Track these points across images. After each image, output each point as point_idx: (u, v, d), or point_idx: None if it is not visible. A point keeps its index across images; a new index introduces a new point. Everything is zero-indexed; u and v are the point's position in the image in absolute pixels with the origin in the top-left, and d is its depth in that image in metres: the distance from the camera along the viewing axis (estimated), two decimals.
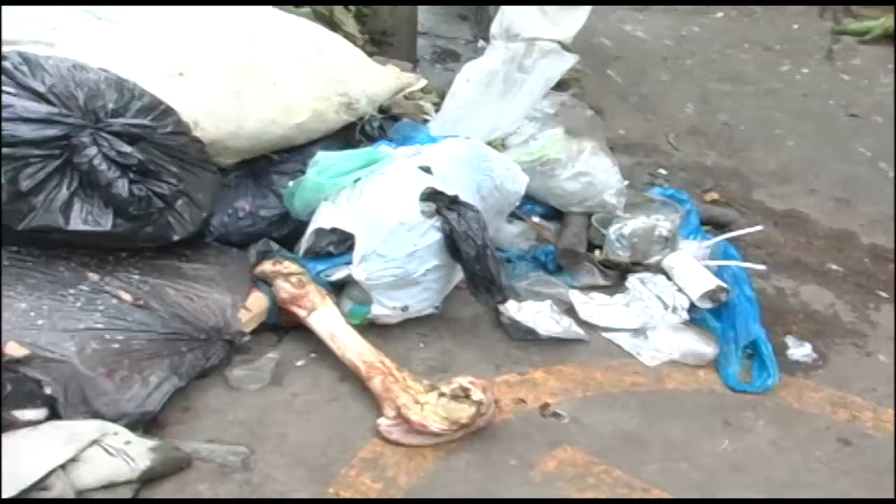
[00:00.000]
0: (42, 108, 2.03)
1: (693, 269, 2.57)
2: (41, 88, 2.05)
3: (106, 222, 2.06)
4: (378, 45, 3.29)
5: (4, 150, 1.97)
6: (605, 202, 2.75)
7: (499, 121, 2.75)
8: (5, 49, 2.14)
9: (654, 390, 2.29)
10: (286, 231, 2.43)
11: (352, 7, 3.27)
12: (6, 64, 2.07)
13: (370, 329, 2.28)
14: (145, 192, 2.09)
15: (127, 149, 2.07)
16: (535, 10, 3.45)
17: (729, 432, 2.16)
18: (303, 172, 2.38)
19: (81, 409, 1.86)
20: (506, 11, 3.49)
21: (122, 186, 2.05)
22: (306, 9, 2.83)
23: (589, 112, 3.17)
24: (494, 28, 3.53)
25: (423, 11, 3.98)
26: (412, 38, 3.76)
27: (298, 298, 2.21)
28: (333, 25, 2.90)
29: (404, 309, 2.32)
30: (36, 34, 2.22)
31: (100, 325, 1.97)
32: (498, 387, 2.19)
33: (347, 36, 2.85)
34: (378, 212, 2.26)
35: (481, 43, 4.09)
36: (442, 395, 2.02)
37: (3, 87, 2.03)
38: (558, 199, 2.78)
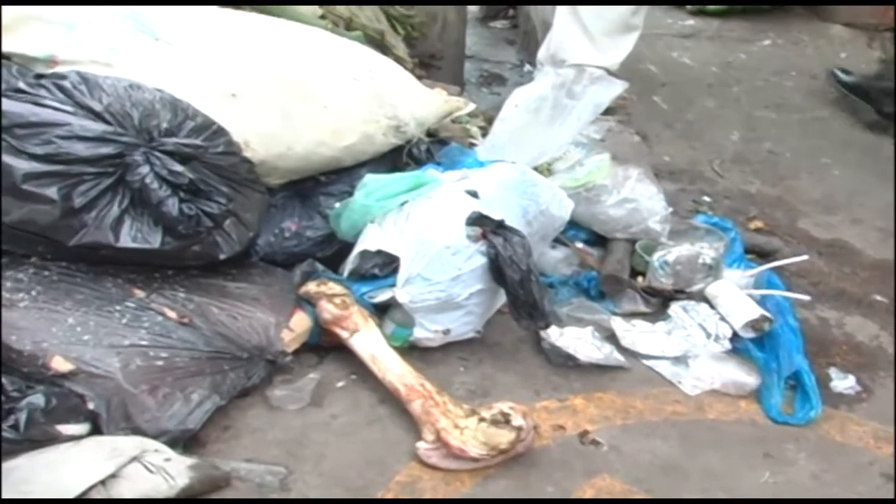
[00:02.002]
0: (98, 127, 2.00)
1: (736, 297, 2.48)
2: (98, 107, 2.02)
3: (155, 240, 2.02)
4: (426, 68, 3.24)
5: (60, 167, 1.94)
6: (650, 229, 2.66)
7: (546, 146, 2.67)
8: (66, 69, 2.13)
9: (694, 420, 2.20)
10: (331, 252, 2.37)
11: (401, 30, 3.22)
12: (65, 83, 2.05)
13: (411, 352, 2.22)
14: (195, 211, 2.04)
15: (179, 168, 2.02)
16: (583, 37, 3.38)
17: (770, 464, 2.07)
18: (350, 194, 2.33)
19: (123, 425, 1.82)
20: (553, 37, 3.43)
21: (172, 205, 2.01)
22: (358, 32, 2.77)
23: (635, 138, 3.11)
24: (541, 53, 3.47)
25: (470, 35, 3.93)
26: (460, 62, 3.71)
27: (341, 320, 2.15)
28: (384, 48, 2.85)
29: (446, 332, 2.25)
30: (95, 54, 2.19)
31: (144, 342, 1.93)
32: (537, 413, 2.12)
33: (397, 59, 2.81)
34: (424, 235, 2.20)
35: (528, 67, 4.04)
36: (482, 420, 1.95)
37: (62, 106, 2.00)
38: (602, 225, 2.70)
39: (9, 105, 1.97)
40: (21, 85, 2.03)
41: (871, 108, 3.86)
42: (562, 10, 3.40)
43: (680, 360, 2.37)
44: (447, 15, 3.47)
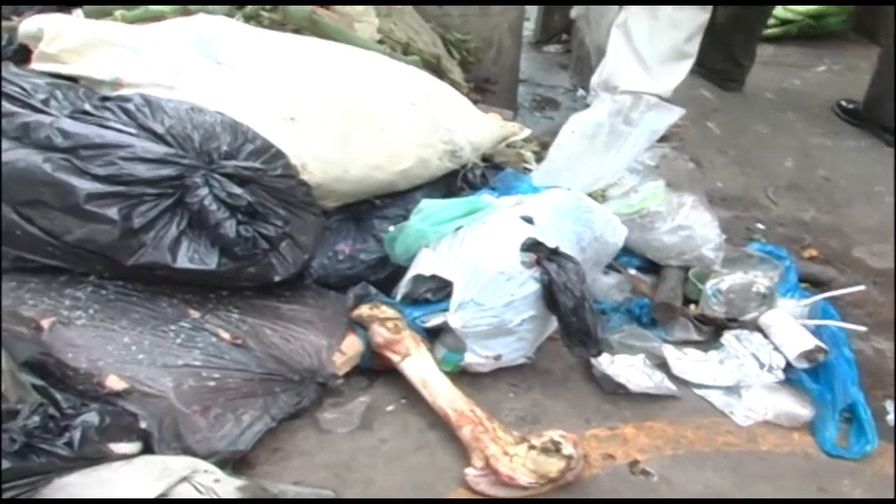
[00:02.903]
0: (159, 149, 1.98)
1: (790, 327, 2.40)
2: (160, 129, 2.00)
3: (211, 261, 1.98)
4: (481, 92, 3.19)
5: (122, 188, 1.93)
6: (703, 256, 2.58)
7: (601, 172, 2.60)
8: (130, 91, 2.11)
9: (746, 451, 2.12)
10: (384, 275, 2.32)
11: (457, 55, 3.18)
12: (129, 106, 2.03)
13: (461, 377, 2.15)
14: (252, 233, 2.01)
15: (237, 190, 1.99)
16: (636, 64, 3.31)
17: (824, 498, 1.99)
18: (404, 218, 2.28)
19: (174, 445, 1.79)
20: (606, 64, 3.36)
21: (229, 227, 1.97)
22: (415, 56, 2.73)
23: (690, 165, 2.99)
24: (594, 79, 3.40)
25: (523, 60, 3.87)
26: (514, 86, 3.65)
27: (393, 344, 2.10)
28: (441, 73, 2.80)
29: (497, 358, 2.19)
30: (159, 77, 2.18)
31: (198, 363, 1.90)
32: (587, 441, 2.05)
33: (454, 84, 2.75)
34: (478, 260, 2.14)
35: (580, 92, 3.97)
36: (532, 447, 1.89)
37: (125, 128, 1.98)
38: (656, 252, 2.62)
39: (75, 126, 1.96)
40: (87, 107, 2.02)
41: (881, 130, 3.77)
42: (616, 37, 3.33)
43: (732, 389, 2.29)
44: (502, 40, 3.42)
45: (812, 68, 4.56)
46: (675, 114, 2.70)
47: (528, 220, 2.25)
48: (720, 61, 4.06)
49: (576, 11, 4.23)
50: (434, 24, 3.13)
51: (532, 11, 4.48)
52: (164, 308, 2.00)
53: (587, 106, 3.29)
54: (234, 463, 1.84)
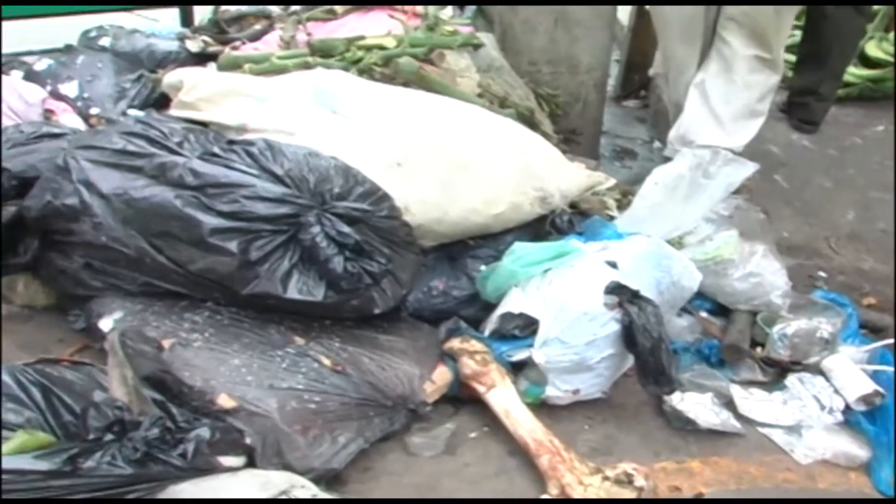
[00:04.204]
0: (278, 189, 1.89)
1: (851, 371, 2.20)
2: (279, 171, 1.92)
3: (318, 293, 1.87)
4: (567, 143, 3.02)
5: (242, 224, 1.84)
6: (771, 302, 2.39)
7: (680, 221, 2.44)
8: (254, 136, 2.02)
9: (805, 488, 1.94)
10: (473, 311, 2.17)
11: (546, 107, 3.01)
12: (253, 149, 1.95)
13: (540, 408, 2.00)
14: (358, 268, 1.90)
15: (346, 229, 1.89)
16: (712, 120, 3.10)
17: None
18: (495, 258, 2.15)
19: (274, 461, 1.68)
20: (684, 119, 3.16)
21: (338, 263, 1.87)
22: (511, 109, 2.57)
23: (761, 216, 2.79)
24: (672, 134, 3.20)
25: (605, 113, 3.68)
26: (596, 137, 3.46)
27: (480, 375, 1.96)
28: (533, 125, 2.64)
29: (575, 392, 2.04)
30: (281, 124, 2.10)
31: (300, 386, 1.78)
32: (655, 473, 1.88)
33: (545, 135, 2.60)
34: (564, 301, 2.00)
35: (657, 144, 3.76)
36: (606, 478, 1.76)
37: (248, 170, 1.90)
38: (727, 296, 2.43)
39: (204, 167, 1.91)
40: (216, 149, 1.96)
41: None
42: (693, 95, 3.14)
43: (794, 429, 2.12)
44: (588, 95, 3.24)
45: (871, 127, 4.24)
46: (749, 168, 2.54)
47: (613, 265, 2.11)
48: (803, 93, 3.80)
49: (654, 70, 4.04)
50: (527, 80, 2.99)
51: (614, 68, 4.28)
52: (272, 334, 1.91)
53: (663, 157, 3.19)
54: (328, 480, 1.73)
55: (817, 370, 2.24)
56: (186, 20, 3.32)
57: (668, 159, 3.03)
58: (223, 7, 3.21)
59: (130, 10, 3.24)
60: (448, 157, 2.15)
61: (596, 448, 1.97)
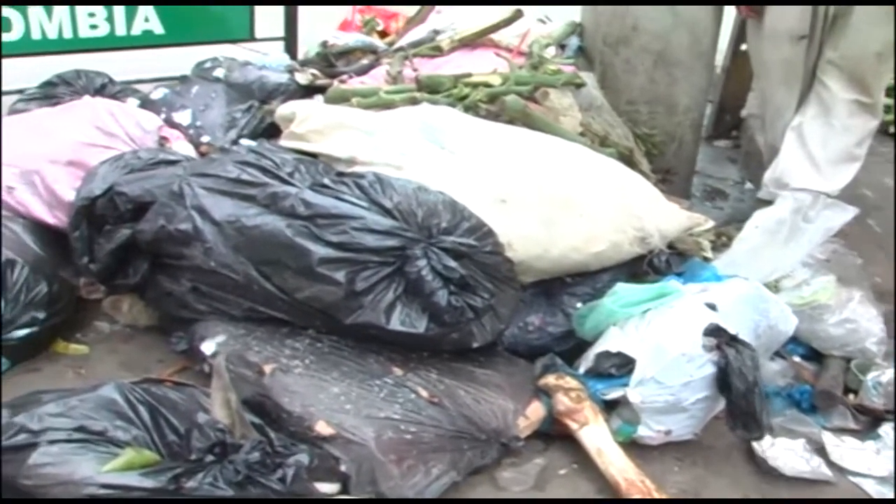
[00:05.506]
0: (387, 222, 1.86)
1: None
2: (388, 205, 1.88)
3: (420, 325, 1.83)
4: (662, 182, 2.90)
5: (350, 254, 1.80)
6: (866, 349, 2.27)
7: (779, 265, 2.34)
8: (363, 169, 1.99)
9: None
10: (567, 347, 2.08)
11: (643, 147, 2.90)
12: (363, 182, 1.91)
13: (630, 447, 1.91)
14: (461, 303, 1.85)
15: (452, 263, 1.84)
16: (809, 164, 2.93)
17: None
18: (592, 296, 2.07)
19: (368, 489, 1.63)
20: (780, 162, 3.00)
21: (442, 296, 1.82)
22: (611, 148, 2.49)
23: (858, 261, 2.63)
24: (767, 176, 3.06)
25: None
26: (690, 177, 3.34)
27: (574, 412, 1.87)
28: (632, 164, 2.56)
29: (668, 433, 1.94)
30: (389, 158, 2.06)
31: (397, 416, 1.73)
32: None
33: (643, 174, 2.51)
34: (662, 341, 1.92)
35: (748, 185, 3.60)
36: None
37: (358, 202, 1.87)
38: (821, 342, 2.30)
39: (315, 198, 1.88)
40: (326, 181, 1.94)
41: None
42: (790, 138, 2.99)
43: (886, 479, 1.99)
44: (685, 135, 3.13)
45: None
46: (849, 213, 2.45)
47: (712, 307, 2.01)
48: None
49: (748, 111, 3.88)
50: (625, 119, 2.90)
51: (707, 107, 4.14)
52: (371, 364, 1.86)
53: (756, 198, 3.06)
54: None
55: None
56: (291, 52, 3.34)
57: (760, 201, 2.94)
58: (331, 41, 3.21)
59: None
60: (551, 194, 2.08)
61: (685, 490, 1.87)
